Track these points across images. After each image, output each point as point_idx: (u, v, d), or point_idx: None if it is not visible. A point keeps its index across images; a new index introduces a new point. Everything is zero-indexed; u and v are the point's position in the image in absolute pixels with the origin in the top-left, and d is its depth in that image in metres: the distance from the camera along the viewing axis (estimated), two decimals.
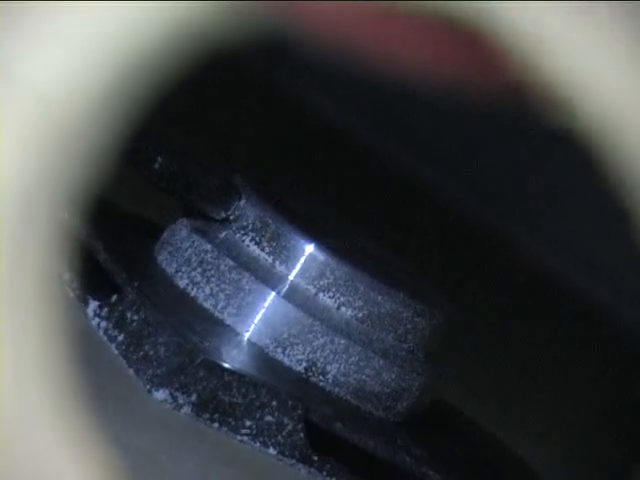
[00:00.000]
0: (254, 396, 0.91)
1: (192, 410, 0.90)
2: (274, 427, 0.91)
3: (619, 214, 1.05)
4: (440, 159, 1.08)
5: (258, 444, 0.91)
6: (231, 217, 0.99)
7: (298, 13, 0.55)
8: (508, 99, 0.54)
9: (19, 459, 0.57)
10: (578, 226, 1.08)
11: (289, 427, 0.91)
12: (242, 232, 0.99)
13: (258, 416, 0.91)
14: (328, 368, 0.97)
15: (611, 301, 1.13)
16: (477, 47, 0.53)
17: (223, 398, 0.90)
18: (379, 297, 0.99)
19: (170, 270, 0.99)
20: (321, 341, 0.98)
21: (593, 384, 1.08)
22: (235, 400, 0.90)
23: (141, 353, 0.90)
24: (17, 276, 0.60)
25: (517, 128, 0.95)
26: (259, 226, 0.99)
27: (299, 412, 0.93)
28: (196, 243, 0.99)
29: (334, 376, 0.98)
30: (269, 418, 0.91)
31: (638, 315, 1.09)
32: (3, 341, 0.58)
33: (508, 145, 1.12)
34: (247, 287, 0.99)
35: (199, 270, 0.99)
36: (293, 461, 0.91)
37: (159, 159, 1.03)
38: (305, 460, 0.92)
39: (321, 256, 1.00)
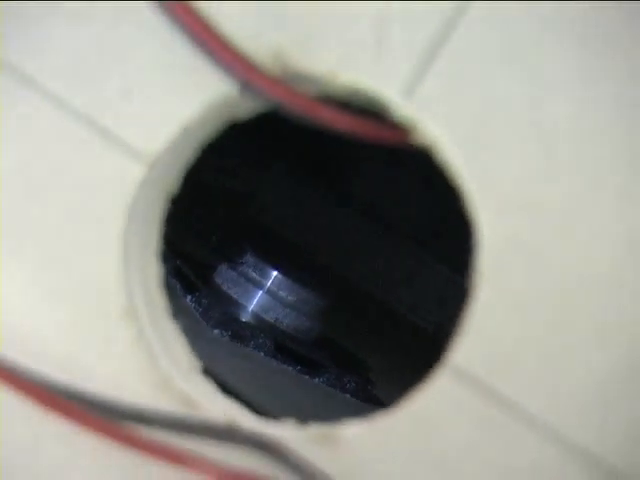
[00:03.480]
0: (255, 331, 0.82)
1: (229, 338, 0.80)
2: (262, 344, 0.81)
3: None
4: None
5: (255, 350, 0.80)
6: (243, 261, 0.87)
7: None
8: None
9: None
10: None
11: (268, 344, 0.81)
12: (247, 267, 0.88)
13: (255, 340, 0.81)
14: (284, 321, 0.86)
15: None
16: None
17: (242, 332, 0.81)
18: (304, 293, 0.87)
19: (220, 282, 0.87)
20: (280, 310, 0.87)
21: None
22: (247, 333, 0.81)
23: (208, 315, 0.80)
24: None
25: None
26: (254, 264, 0.88)
27: (272, 337, 0.83)
28: (230, 272, 0.88)
29: (286, 324, 0.86)
30: (260, 340, 0.81)
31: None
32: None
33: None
34: (251, 289, 0.87)
35: (231, 283, 0.87)
36: (269, 357, 0.81)
37: (214, 237, 0.94)
38: (274, 356, 0.81)
39: (280, 276, 0.88)
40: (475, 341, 0.39)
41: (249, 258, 0.91)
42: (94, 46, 0.42)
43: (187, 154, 0.44)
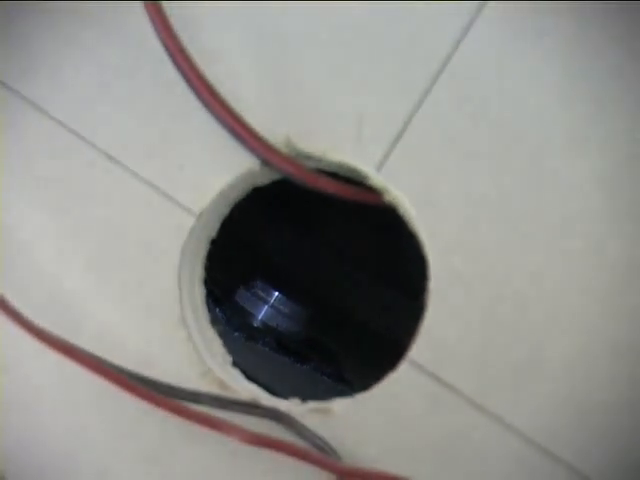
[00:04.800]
0: (262, 334, 0.78)
1: (244, 338, 0.76)
2: (268, 342, 0.77)
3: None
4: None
5: (263, 347, 0.76)
6: (255, 285, 0.82)
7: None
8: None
9: None
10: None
11: (273, 343, 0.77)
12: (257, 289, 0.82)
13: (263, 340, 0.77)
14: (283, 325, 0.81)
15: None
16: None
17: (253, 334, 0.77)
18: (296, 307, 0.83)
19: (238, 300, 0.81)
20: (280, 319, 0.81)
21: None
22: (257, 335, 0.77)
23: (231, 323, 0.77)
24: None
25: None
26: (262, 287, 0.83)
27: (274, 338, 0.79)
28: (246, 293, 0.82)
29: (284, 327, 0.81)
30: (266, 340, 0.77)
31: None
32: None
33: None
34: (260, 304, 0.82)
35: (246, 300, 0.82)
36: (272, 352, 0.77)
37: (235, 269, 0.83)
38: (276, 351, 0.77)
39: (280, 296, 0.83)
40: (426, 342, 0.38)
41: (259, 283, 0.88)
42: (160, 135, 0.40)
43: (223, 210, 0.42)
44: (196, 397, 0.38)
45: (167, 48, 0.38)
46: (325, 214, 0.85)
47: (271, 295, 0.92)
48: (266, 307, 0.91)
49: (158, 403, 0.37)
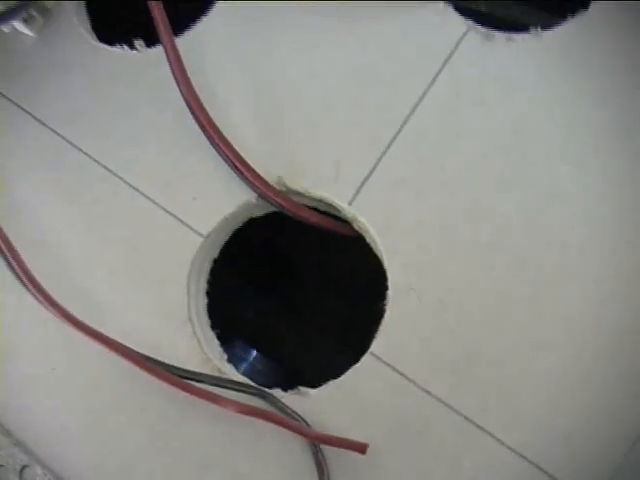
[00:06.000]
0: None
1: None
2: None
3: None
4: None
5: None
6: (235, 345, 0.87)
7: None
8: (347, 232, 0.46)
9: None
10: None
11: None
12: (237, 349, 0.88)
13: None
14: (260, 382, 0.80)
15: None
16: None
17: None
18: (270, 364, 0.89)
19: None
20: (256, 375, 0.84)
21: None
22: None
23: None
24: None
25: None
26: (242, 347, 0.89)
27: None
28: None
29: (259, 383, 0.82)
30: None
31: None
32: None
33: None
34: (238, 363, 0.87)
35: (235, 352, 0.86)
36: None
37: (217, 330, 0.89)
38: None
39: (258, 355, 0.90)
40: (384, 339, 0.46)
41: (239, 343, 0.91)
42: (178, 172, 0.50)
43: (225, 235, 0.51)
44: (198, 376, 0.46)
45: (189, 106, 0.49)
46: (301, 284, 0.91)
47: (250, 354, 0.97)
48: (245, 365, 0.96)
49: (168, 381, 0.45)
